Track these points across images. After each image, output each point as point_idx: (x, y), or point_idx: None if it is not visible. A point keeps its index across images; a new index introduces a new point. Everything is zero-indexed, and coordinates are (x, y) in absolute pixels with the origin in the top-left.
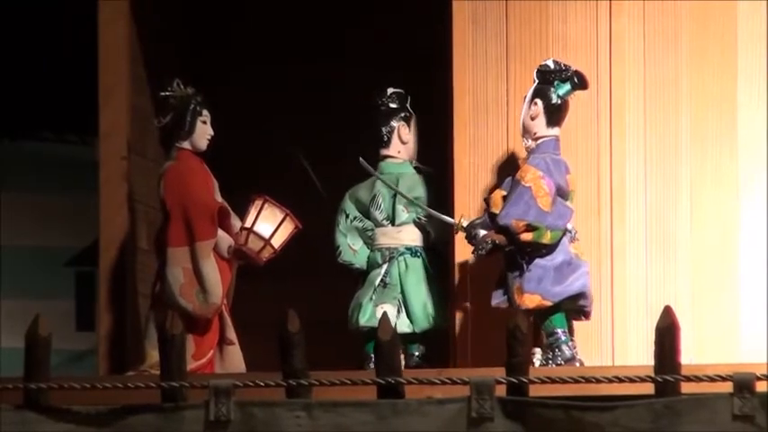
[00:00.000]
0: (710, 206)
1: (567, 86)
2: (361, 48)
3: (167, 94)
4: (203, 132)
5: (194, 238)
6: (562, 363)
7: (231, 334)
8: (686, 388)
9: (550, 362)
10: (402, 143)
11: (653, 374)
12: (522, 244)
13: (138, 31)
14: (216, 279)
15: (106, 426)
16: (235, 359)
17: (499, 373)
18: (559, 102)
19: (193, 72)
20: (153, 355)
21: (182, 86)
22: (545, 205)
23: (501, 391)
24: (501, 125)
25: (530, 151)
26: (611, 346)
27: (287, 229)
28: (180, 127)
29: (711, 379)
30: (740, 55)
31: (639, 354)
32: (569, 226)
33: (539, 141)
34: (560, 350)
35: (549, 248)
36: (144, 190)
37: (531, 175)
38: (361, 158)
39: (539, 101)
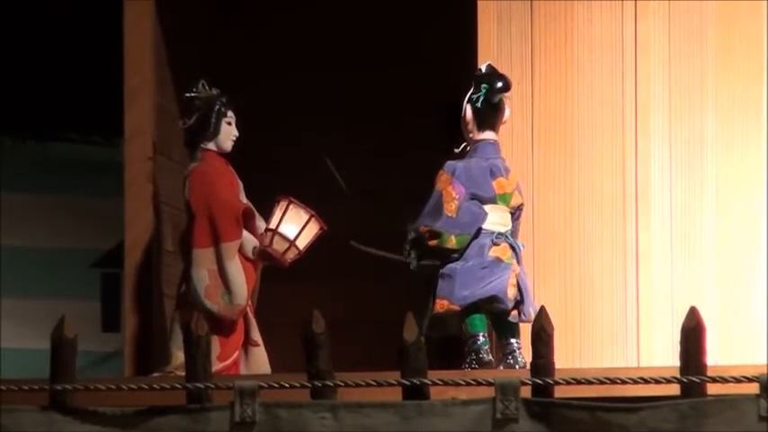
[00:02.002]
0: (736, 207)
1: (484, 91)
2: (385, 47)
3: (192, 95)
4: (228, 133)
5: (219, 239)
6: (477, 367)
7: (256, 335)
8: (712, 389)
9: (467, 366)
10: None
11: (678, 375)
12: (431, 250)
13: (163, 32)
14: (241, 280)
15: (132, 427)
16: (260, 360)
17: (524, 374)
18: (484, 105)
19: (218, 73)
20: (178, 356)
21: (207, 87)
22: (450, 210)
23: (526, 392)
24: (526, 125)
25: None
26: (637, 347)
27: (312, 230)
28: (205, 128)
29: (737, 380)
30: (767, 55)
31: (665, 355)
32: (501, 229)
33: (475, 145)
34: (477, 355)
35: (461, 253)
36: (169, 191)
37: (441, 180)
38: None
39: (468, 106)
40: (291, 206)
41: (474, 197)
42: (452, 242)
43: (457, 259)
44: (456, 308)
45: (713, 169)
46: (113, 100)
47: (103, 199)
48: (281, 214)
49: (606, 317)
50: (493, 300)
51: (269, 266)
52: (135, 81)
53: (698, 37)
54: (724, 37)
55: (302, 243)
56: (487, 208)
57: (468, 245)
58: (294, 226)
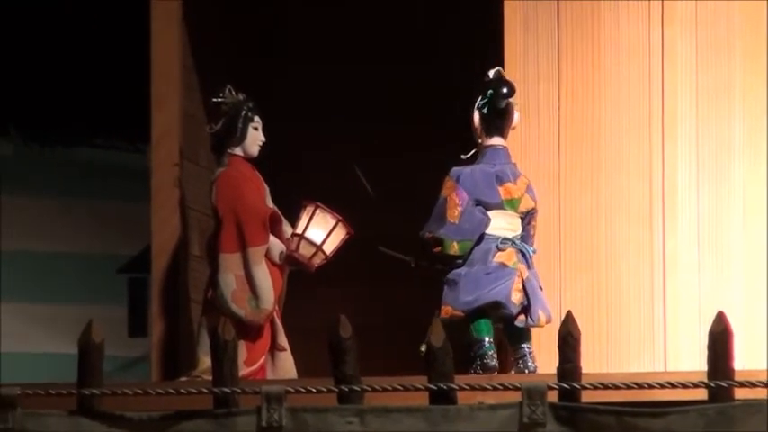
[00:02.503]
0: (764, 212)
1: (488, 97)
2: (411, 48)
3: (219, 100)
4: (255, 138)
5: (246, 244)
6: (481, 372)
7: (283, 340)
8: (740, 394)
9: (472, 371)
10: None
11: (706, 380)
12: (435, 256)
13: (191, 37)
14: (268, 285)
15: (159, 431)
16: (286, 365)
17: (551, 378)
18: (491, 111)
19: (245, 78)
20: (205, 361)
21: (233, 93)
22: (452, 217)
23: (552, 396)
24: (552, 128)
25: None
26: (664, 351)
27: (339, 235)
28: (232, 133)
29: (765, 385)
30: None
31: (692, 359)
32: (508, 234)
33: (483, 151)
34: (482, 360)
35: (465, 258)
36: (196, 196)
37: (446, 187)
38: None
39: (476, 112)
40: (318, 211)
41: (479, 203)
42: (455, 248)
43: (462, 265)
44: (460, 314)
45: (740, 174)
46: (140, 105)
47: (130, 204)
48: (307, 219)
49: (633, 321)
50: (497, 305)
51: (296, 271)
52: (162, 87)
53: (725, 41)
54: (752, 41)
55: (329, 248)
56: (492, 213)
57: (472, 250)
58: (321, 231)
